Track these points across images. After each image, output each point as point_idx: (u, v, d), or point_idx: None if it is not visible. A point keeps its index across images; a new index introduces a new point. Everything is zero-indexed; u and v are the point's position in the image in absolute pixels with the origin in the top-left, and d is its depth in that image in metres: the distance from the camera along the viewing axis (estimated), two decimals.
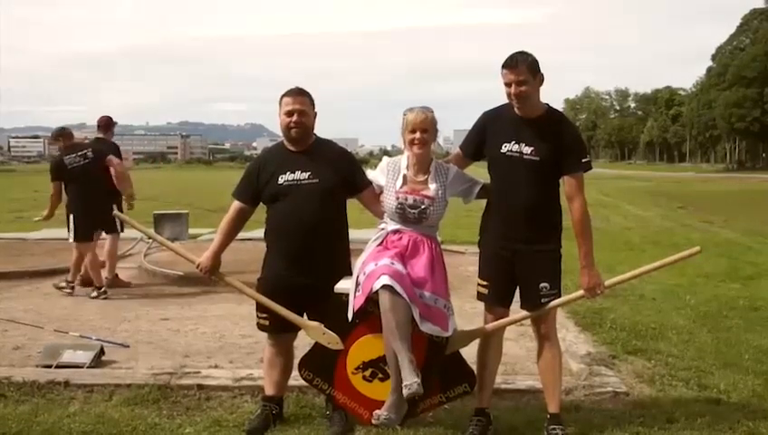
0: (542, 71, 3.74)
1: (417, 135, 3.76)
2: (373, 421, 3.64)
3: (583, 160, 3.79)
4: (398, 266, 3.59)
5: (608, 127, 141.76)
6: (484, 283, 3.93)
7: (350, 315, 3.71)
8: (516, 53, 3.75)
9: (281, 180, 3.92)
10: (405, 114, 3.82)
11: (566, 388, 4.47)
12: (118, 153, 8.42)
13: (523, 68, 3.67)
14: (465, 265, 7.97)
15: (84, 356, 5.01)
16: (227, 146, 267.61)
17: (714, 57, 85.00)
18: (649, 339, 5.84)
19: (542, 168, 3.74)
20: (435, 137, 3.85)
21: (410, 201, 3.78)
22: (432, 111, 3.83)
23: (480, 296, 3.97)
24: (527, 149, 3.75)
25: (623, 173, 62.43)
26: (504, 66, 3.72)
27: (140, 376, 4.75)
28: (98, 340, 5.44)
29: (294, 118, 3.90)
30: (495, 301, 3.93)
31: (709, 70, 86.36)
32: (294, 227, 3.88)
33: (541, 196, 3.80)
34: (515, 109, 3.78)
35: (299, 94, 3.95)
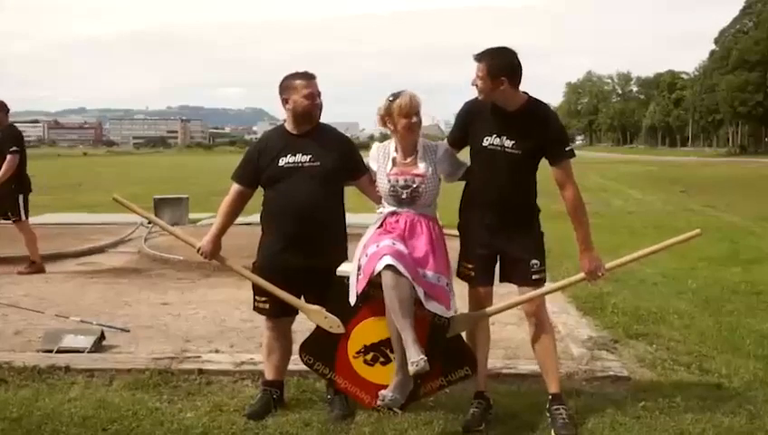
0: (512, 72, 3.68)
1: (414, 119, 3.80)
2: (378, 402, 3.66)
3: (567, 149, 3.81)
4: (400, 246, 3.61)
5: (609, 111, 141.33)
6: (470, 265, 3.96)
7: (352, 299, 3.72)
8: (489, 49, 3.74)
9: (281, 162, 3.93)
10: (391, 100, 3.82)
11: (567, 372, 4.48)
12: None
13: (481, 65, 3.70)
14: None
15: (85, 341, 5.01)
16: (228, 130, 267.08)
17: (717, 40, 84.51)
18: (651, 323, 5.84)
19: (524, 161, 3.78)
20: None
21: (401, 182, 3.82)
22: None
23: (466, 278, 4.00)
24: (509, 143, 3.77)
25: (625, 157, 62.30)
26: None
27: (141, 361, 4.75)
28: (98, 324, 5.43)
29: (318, 100, 3.95)
30: (481, 280, 3.96)
31: (712, 53, 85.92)
32: (293, 208, 3.88)
33: (522, 187, 3.86)
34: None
35: (313, 78, 4.00)
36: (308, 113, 3.94)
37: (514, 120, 3.76)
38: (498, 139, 3.78)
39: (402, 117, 3.79)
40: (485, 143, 3.81)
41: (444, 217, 4.01)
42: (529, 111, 3.79)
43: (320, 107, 3.98)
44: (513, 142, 3.76)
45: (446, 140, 4.07)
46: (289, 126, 4.03)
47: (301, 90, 3.93)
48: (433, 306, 3.62)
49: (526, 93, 3.82)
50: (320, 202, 3.89)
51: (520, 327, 5.48)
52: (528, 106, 3.81)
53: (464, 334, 3.94)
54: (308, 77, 3.97)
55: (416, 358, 3.41)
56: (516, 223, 3.85)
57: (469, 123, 3.92)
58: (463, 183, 4.05)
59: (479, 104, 3.87)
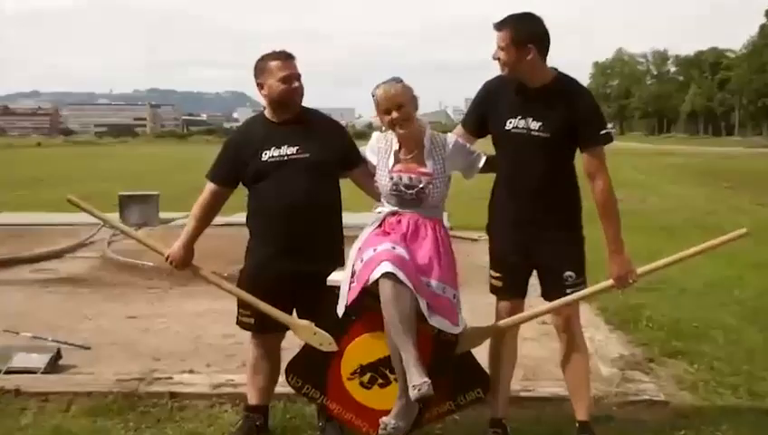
0: (540, 39, 3.69)
1: (395, 115, 3.73)
2: (380, 431, 3.65)
3: (602, 132, 3.77)
4: (401, 251, 3.57)
5: (643, 95, 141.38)
6: (497, 275, 3.96)
7: (340, 310, 3.69)
8: (512, 15, 3.76)
9: (264, 157, 3.91)
10: (373, 94, 3.79)
11: (596, 396, 4.47)
12: None
13: (504, 33, 3.68)
14: (477, 253, 7.92)
15: (38, 360, 5.01)
16: (204, 117, 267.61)
17: None
18: (692, 339, 5.83)
19: (554, 145, 3.74)
20: (416, 106, 3.81)
21: (405, 180, 3.78)
22: (401, 80, 3.79)
23: (494, 289, 4.00)
24: (535, 125, 3.74)
25: (661, 148, 62.29)
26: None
27: (103, 382, 4.75)
28: (54, 341, 5.44)
29: (297, 84, 3.93)
30: (511, 293, 3.95)
31: (762, 28, 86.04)
32: (282, 208, 3.87)
33: (555, 176, 3.81)
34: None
35: (291, 58, 3.98)
36: (285, 100, 3.92)
37: (541, 97, 3.74)
38: (523, 120, 3.76)
39: (382, 113, 3.77)
40: (509, 126, 3.79)
41: (454, 216, 3.98)
42: (558, 88, 3.76)
43: (299, 92, 3.96)
44: (539, 124, 3.73)
45: (458, 127, 4.05)
46: (269, 114, 4.02)
47: (276, 72, 3.90)
48: (437, 321, 3.59)
49: (555, 69, 3.80)
50: (311, 200, 3.87)
51: (541, 343, 5.49)
52: (557, 82, 3.78)
53: (474, 351, 3.94)
54: (284, 57, 3.95)
55: (418, 381, 3.39)
56: (548, 223, 3.80)
57: (489, 105, 3.90)
58: (483, 177, 4.03)
59: (500, 83, 3.86)
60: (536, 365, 5.10)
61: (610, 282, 3.85)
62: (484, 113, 3.94)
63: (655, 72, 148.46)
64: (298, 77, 3.95)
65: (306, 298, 3.94)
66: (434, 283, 3.63)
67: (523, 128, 3.76)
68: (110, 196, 12.99)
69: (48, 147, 77.14)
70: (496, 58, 3.74)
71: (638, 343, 5.74)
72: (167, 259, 4.10)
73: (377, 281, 3.50)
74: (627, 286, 3.89)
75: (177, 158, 42.39)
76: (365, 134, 4.08)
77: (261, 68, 3.96)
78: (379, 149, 3.90)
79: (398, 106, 3.72)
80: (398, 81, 3.78)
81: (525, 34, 3.66)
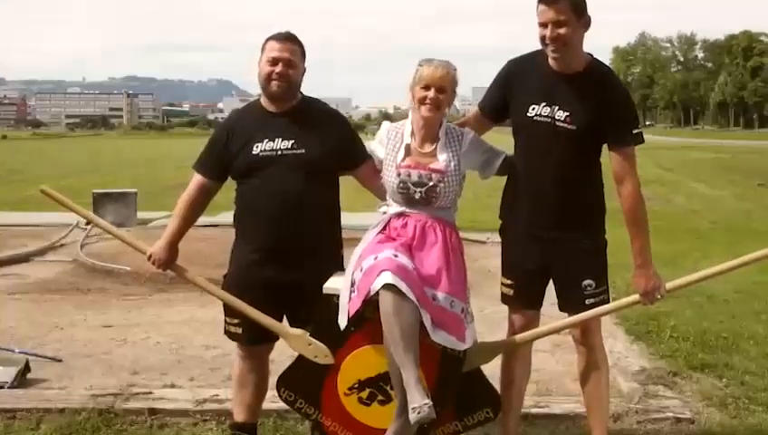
0: (586, 7, 3.65)
1: (431, 93, 3.71)
2: None
3: (634, 131, 3.73)
4: (404, 260, 3.56)
5: (668, 83, 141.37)
6: (509, 282, 3.93)
7: (342, 322, 3.69)
8: None
9: (256, 150, 3.90)
10: (420, 65, 3.77)
11: (615, 413, 4.48)
12: None
13: (564, 5, 3.58)
14: (486, 257, 7.96)
15: (4, 373, 5.02)
16: (186, 108, 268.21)
17: None
18: (720, 351, 5.85)
19: (580, 138, 3.71)
20: (451, 101, 3.81)
21: (415, 177, 3.75)
22: (455, 69, 3.78)
23: (504, 298, 3.98)
24: (561, 114, 3.71)
25: (688, 141, 62.40)
26: (540, 1, 3.63)
27: (76, 398, 4.76)
28: (22, 353, 5.44)
29: (279, 68, 3.88)
30: (524, 303, 3.93)
31: None
32: (273, 208, 3.85)
33: (578, 172, 3.78)
34: (550, 60, 3.72)
35: (288, 40, 3.95)
36: (264, 83, 3.90)
37: (571, 84, 3.69)
38: (548, 108, 3.72)
39: (421, 87, 3.73)
40: (531, 113, 3.75)
41: (460, 215, 3.96)
42: (593, 75, 3.72)
43: (284, 78, 3.89)
44: (566, 114, 3.69)
45: (474, 110, 4.03)
46: (264, 101, 4.01)
47: (268, 52, 3.90)
48: (441, 337, 3.56)
49: (590, 54, 3.77)
50: (305, 201, 3.85)
51: (554, 356, 5.50)
52: (591, 68, 3.74)
53: (484, 366, 3.94)
54: (281, 38, 3.93)
55: (418, 402, 3.37)
56: (568, 226, 3.77)
57: (511, 87, 3.86)
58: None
59: (527, 63, 3.82)
60: (549, 380, 5.10)
61: (636, 297, 3.83)
62: (504, 96, 3.89)
63: (681, 59, 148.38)
64: (287, 62, 3.89)
65: (297, 307, 3.93)
66: (441, 296, 3.60)
67: (547, 116, 3.72)
68: (83, 193, 12.97)
69: (14, 139, 77.15)
70: (553, 37, 3.61)
71: (662, 355, 5.75)
72: (148, 258, 4.09)
73: (377, 292, 3.49)
74: (654, 302, 3.87)
75: (156, 152, 42.48)
76: (362, 127, 4.02)
77: (262, 47, 3.95)
78: (389, 141, 3.86)
79: (440, 88, 3.71)
80: (454, 68, 3.77)
81: (581, 3, 3.61)
